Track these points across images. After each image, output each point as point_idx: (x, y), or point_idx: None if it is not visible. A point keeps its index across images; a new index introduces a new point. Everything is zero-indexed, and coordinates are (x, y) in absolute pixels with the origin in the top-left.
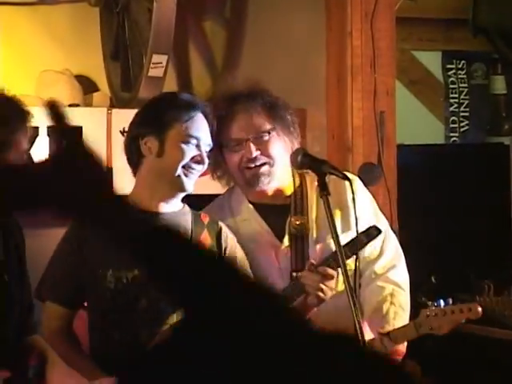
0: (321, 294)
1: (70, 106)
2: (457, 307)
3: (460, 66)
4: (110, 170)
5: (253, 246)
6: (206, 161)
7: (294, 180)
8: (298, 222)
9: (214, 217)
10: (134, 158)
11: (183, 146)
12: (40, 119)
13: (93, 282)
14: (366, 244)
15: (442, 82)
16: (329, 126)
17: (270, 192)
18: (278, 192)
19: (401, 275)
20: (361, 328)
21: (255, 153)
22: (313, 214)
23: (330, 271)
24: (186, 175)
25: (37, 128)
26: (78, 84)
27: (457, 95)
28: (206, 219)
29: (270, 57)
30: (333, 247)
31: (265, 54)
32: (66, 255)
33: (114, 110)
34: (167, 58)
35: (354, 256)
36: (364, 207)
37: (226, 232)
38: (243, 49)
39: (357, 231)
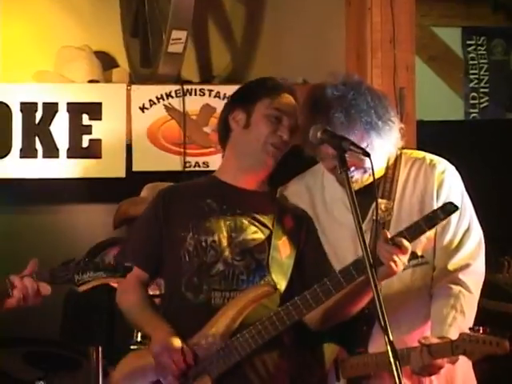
0: (393, 265)
1: (90, 81)
2: (489, 338)
3: (480, 42)
4: (129, 148)
5: (336, 226)
6: (288, 137)
7: (387, 161)
8: (383, 208)
9: (299, 182)
10: (224, 135)
11: (268, 117)
12: (59, 95)
13: (172, 244)
14: (443, 219)
15: (462, 58)
16: None
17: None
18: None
19: (473, 276)
20: (382, 308)
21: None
22: (403, 198)
23: (406, 243)
24: (269, 150)
25: (56, 104)
26: (97, 60)
27: (477, 71)
28: (289, 205)
29: (290, 33)
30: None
31: (284, 30)
32: (148, 222)
33: (134, 86)
34: (186, 33)
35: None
36: (450, 197)
37: (312, 224)
38: (262, 24)
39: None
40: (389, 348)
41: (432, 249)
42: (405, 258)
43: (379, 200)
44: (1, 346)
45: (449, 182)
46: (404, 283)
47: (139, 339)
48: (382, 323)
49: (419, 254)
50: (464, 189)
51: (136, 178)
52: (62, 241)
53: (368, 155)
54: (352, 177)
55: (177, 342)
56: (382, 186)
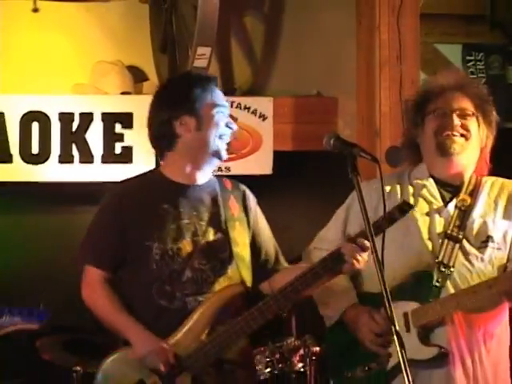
0: (356, 263)
1: (122, 93)
2: None
3: (479, 58)
4: None
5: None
6: (235, 126)
7: (470, 179)
8: (466, 200)
9: (391, 180)
10: (167, 139)
11: (217, 116)
12: (94, 106)
13: (138, 253)
14: (399, 217)
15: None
16: (359, 113)
17: (453, 170)
18: (459, 175)
19: None
20: (389, 299)
21: (457, 122)
22: (482, 196)
23: (367, 243)
24: (222, 144)
25: (91, 114)
26: (129, 74)
27: None
28: (228, 185)
29: (306, 50)
30: (489, 227)
31: (300, 47)
32: (106, 224)
33: None
34: (211, 50)
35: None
36: None
37: (249, 195)
38: (280, 42)
39: None
40: (395, 338)
41: (507, 244)
42: (366, 256)
43: (461, 195)
44: (42, 334)
45: None
46: (483, 262)
47: None
48: (389, 313)
49: (495, 240)
50: None
51: None
52: None
53: (377, 161)
54: (454, 141)
55: (157, 342)
56: (466, 184)
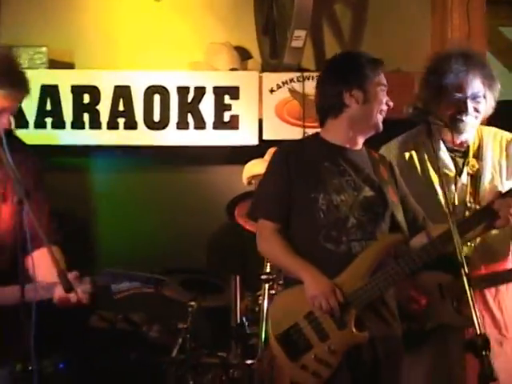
0: (511, 218)
1: (231, 70)
2: None
3: None
4: (260, 121)
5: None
6: (392, 104)
7: (474, 140)
8: (475, 166)
9: (414, 138)
10: (336, 108)
11: (381, 93)
12: (207, 81)
13: (304, 203)
14: None
15: None
16: None
17: (460, 141)
18: (466, 142)
19: None
20: (460, 253)
21: (471, 108)
22: (487, 160)
23: None
24: (380, 118)
25: (204, 87)
26: (236, 53)
27: None
28: (376, 155)
29: (387, 32)
30: (499, 188)
31: (383, 30)
32: (274, 179)
33: (264, 74)
34: (306, 32)
35: None
36: None
37: (394, 165)
38: (365, 25)
39: None
40: (464, 278)
41: None
42: None
43: (471, 159)
44: (162, 275)
45: None
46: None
47: (268, 270)
48: (460, 258)
49: None
50: None
51: (266, 145)
52: (210, 194)
53: (447, 126)
54: (466, 124)
55: (329, 284)
56: (472, 149)
